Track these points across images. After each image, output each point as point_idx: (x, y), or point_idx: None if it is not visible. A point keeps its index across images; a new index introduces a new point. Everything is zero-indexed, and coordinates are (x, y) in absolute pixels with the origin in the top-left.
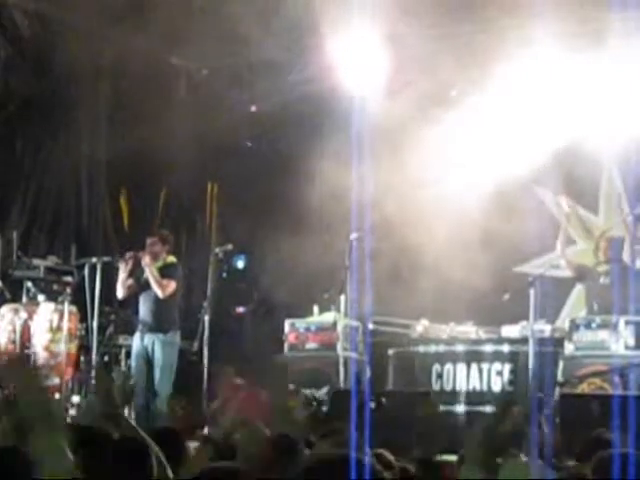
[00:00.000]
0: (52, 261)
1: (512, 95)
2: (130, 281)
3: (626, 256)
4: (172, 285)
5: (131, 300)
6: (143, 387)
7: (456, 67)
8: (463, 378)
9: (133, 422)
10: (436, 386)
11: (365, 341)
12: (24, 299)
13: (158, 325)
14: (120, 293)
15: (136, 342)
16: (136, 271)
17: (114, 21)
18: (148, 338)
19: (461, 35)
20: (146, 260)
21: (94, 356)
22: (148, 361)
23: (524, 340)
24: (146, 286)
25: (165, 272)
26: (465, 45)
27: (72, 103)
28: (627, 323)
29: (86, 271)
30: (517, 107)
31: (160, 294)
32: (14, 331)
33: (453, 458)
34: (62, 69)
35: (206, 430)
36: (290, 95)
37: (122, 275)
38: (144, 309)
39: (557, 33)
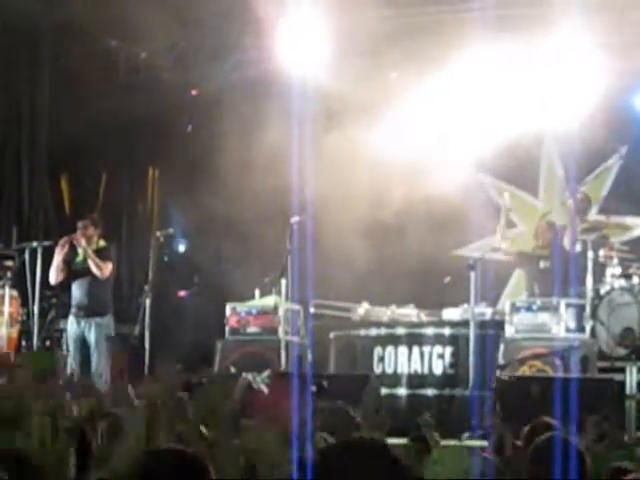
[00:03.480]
0: None
1: (454, 79)
2: (63, 265)
3: (566, 240)
4: (110, 267)
5: (71, 284)
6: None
7: (399, 50)
8: (405, 361)
9: None
10: (378, 369)
11: (306, 325)
12: None
13: (95, 309)
14: (54, 278)
15: (72, 326)
16: (69, 255)
17: (52, 2)
18: (85, 322)
19: (405, 18)
20: (83, 243)
21: (35, 340)
22: (85, 345)
23: (465, 323)
24: (81, 270)
25: (102, 255)
26: (409, 28)
27: (11, 87)
28: (568, 306)
29: (27, 255)
30: (458, 91)
31: (100, 276)
32: None
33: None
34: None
35: None
36: (230, 78)
37: (58, 260)
38: (79, 293)
39: (499, 17)
